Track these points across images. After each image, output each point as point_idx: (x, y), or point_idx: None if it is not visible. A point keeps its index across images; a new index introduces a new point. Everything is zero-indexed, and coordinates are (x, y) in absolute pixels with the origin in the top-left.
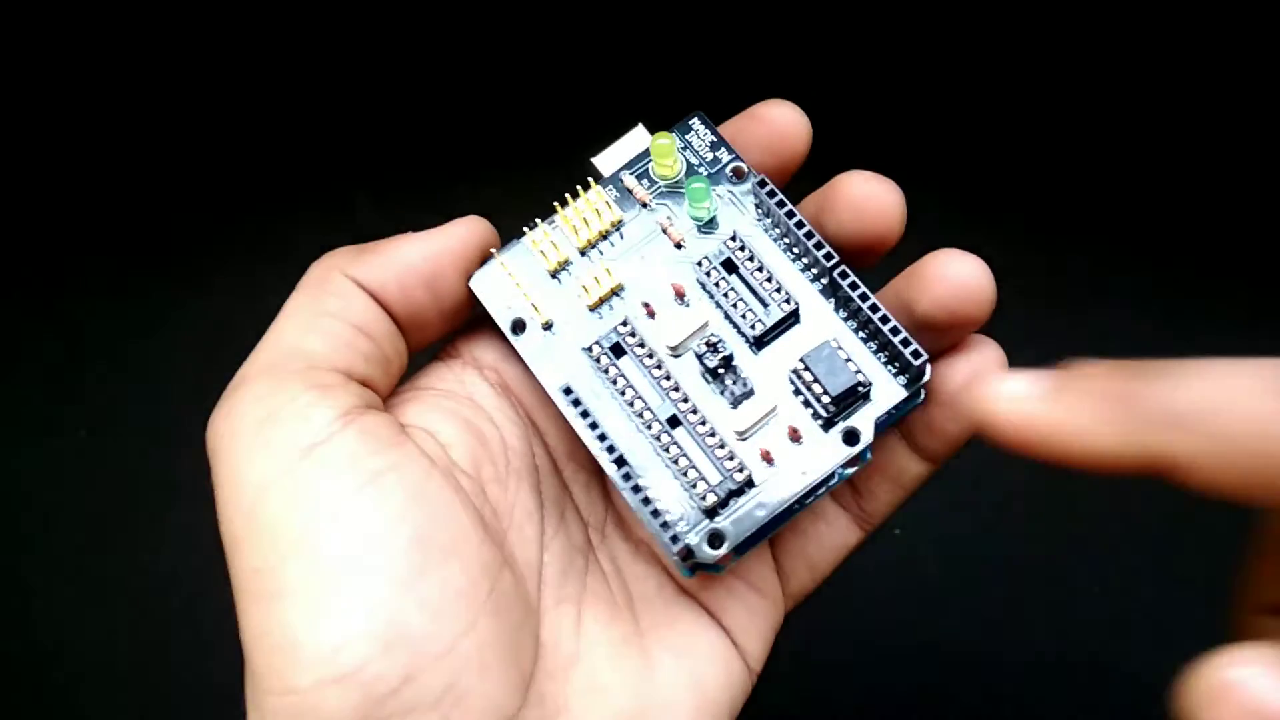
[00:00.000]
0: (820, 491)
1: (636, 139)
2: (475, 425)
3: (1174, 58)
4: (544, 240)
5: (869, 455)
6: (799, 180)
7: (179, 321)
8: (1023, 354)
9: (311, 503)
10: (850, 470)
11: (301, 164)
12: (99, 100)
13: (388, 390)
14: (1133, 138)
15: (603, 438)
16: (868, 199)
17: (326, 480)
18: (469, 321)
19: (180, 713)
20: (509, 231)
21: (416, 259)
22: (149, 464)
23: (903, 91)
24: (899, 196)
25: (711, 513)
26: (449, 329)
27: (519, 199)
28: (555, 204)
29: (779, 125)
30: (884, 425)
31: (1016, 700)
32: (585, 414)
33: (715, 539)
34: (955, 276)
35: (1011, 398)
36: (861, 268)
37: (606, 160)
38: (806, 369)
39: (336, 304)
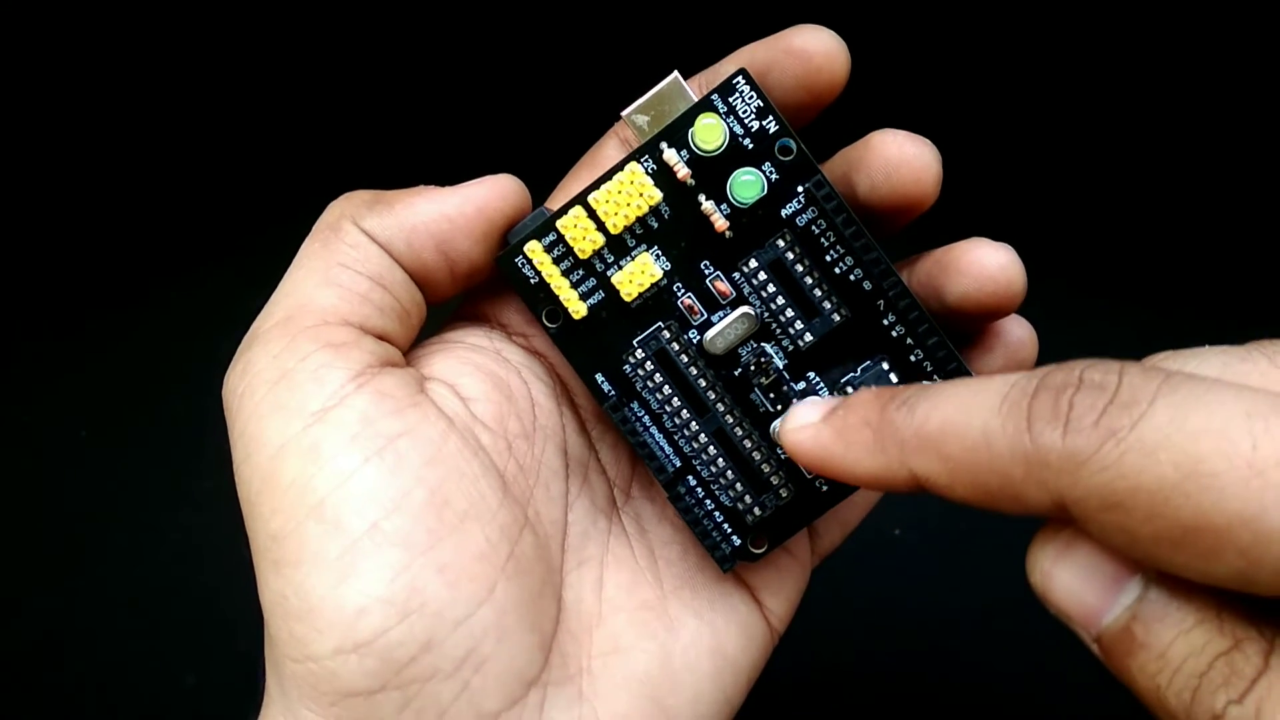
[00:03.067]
0: (854, 490)
1: (671, 89)
2: (502, 379)
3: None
4: (578, 225)
5: None
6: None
7: (179, 321)
8: None
9: (327, 468)
10: None
11: (303, 162)
12: (99, 98)
13: (407, 342)
14: (1121, 151)
15: (644, 446)
16: (903, 161)
17: (342, 444)
18: (493, 284)
19: (180, 713)
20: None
21: (428, 218)
22: (149, 464)
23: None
24: (936, 158)
25: (757, 525)
26: (463, 289)
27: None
28: (586, 192)
29: (815, 56)
30: None
31: (1016, 700)
32: (625, 420)
33: (758, 541)
34: (986, 268)
35: (800, 426)
36: (889, 233)
37: (638, 115)
38: (851, 384)
39: (349, 254)
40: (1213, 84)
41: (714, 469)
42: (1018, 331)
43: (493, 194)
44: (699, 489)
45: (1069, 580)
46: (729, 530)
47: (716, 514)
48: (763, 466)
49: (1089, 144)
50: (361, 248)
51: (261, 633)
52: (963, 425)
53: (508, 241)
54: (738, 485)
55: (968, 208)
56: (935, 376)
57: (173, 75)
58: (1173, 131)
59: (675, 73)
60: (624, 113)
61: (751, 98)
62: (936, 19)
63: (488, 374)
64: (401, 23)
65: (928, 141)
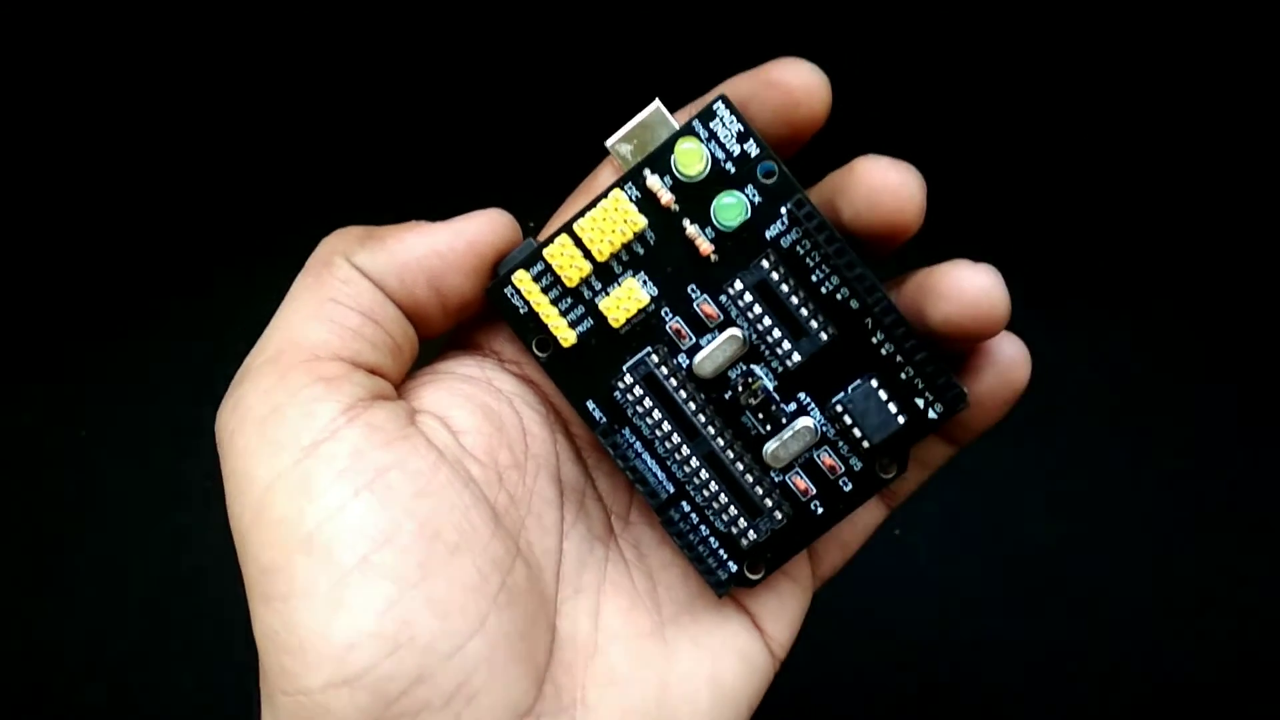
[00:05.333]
0: (854, 510)
1: (653, 116)
2: (493, 410)
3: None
4: (564, 253)
5: (905, 475)
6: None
7: (179, 321)
8: None
9: (317, 501)
10: (884, 487)
11: (304, 163)
12: (99, 101)
13: (399, 375)
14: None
15: (635, 472)
16: (886, 188)
17: (332, 478)
18: (486, 313)
19: (180, 712)
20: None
21: (420, 253)
22: (149, 464)
23: (917, 61)
24: (920, 186)
25: (752, 549)
26: (455, 323)
27: (535, 198)
28: (571, 221)
29: (795, 90)
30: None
31: (1017, 699)
32: (616, 446)
33: (755, 566)
34: (967, 291)
35: None
36: (876, 260)
37: (623, 143)
38: (845, 411)
39: (341, 289)
40: (1194, 102)
41: (707, 493)
42: (1009, 350)
43: (483, 228)
44: (693, 514)
45: None
46: (724, 556)
47: (711, 540)
48: (756, 489)
49: (1070, 159)
50: (353, 283)
51: None
52: None
53: (497, 273)
54: (731, 509)
55: (957, 226)
56: (927, 395)
57: (176, 76)
58: (1152, 149)
59: (657, 100)
60: (608, 142)
61: (732, 122)
62: (923, 43)
63: (478, 406)
64: (407, 46)
65: (911, 168)
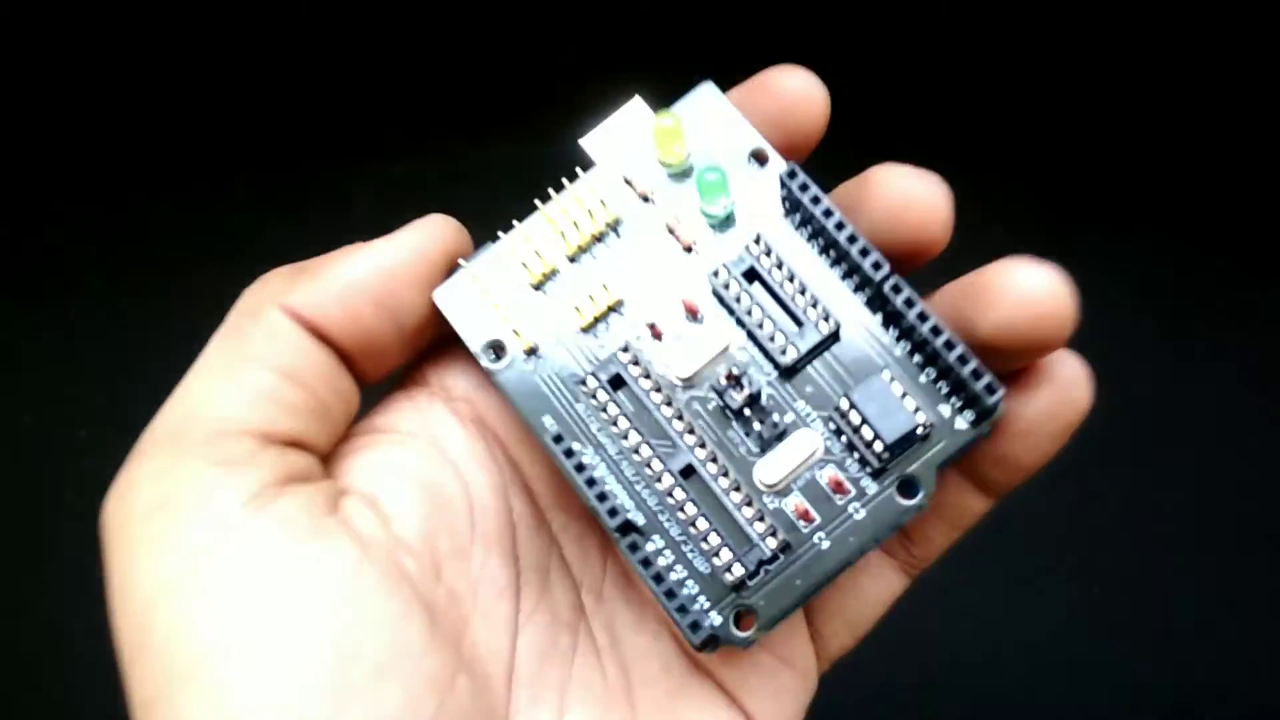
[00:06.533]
0: (869, 549)
1: (633, 114)
2: (433, 485)
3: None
4: (524, 246)
5: (927, 504)
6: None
7: (179, 322)
8: None
9: (210, 619)
10: (905, 519)
11: (301, 160)
12: (98, 98)
13: (329, 441)
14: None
15: (603, 497)
16: (910, 200)
17: (226, 591)
18: (437, 342)
19: None
20: (492, 233)
21: (364, 276)
22: None
23: (924, 59)
24: (946, 198)
25: (738, 586)
26: (414, 352)
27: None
28: (536, 201)
29: (790, 97)
30: (945, 466)
31: (1016, 699)
32: (581, 467)
33: (743, 617)
34: (1027, 293)
35: None
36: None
37: (598, 142)
38: (853, 408)
39: (262, 346)
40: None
41: (683, 516)
42: (1068, 368)
43: (429, 235)
44: (666, 550)
45: None
46: (705, 603)
47: (689, 582)
48: (743, 512)
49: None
50: (279, 335)
51: None
52: None
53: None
54: (712, 537)
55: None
56: (959, 395)
57: (170, 69)
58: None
59: (637, 97)
60: (583, 140)
61: (718, 107)
62: (927, 49)
63: (416, 481)
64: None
65: (935, 177)
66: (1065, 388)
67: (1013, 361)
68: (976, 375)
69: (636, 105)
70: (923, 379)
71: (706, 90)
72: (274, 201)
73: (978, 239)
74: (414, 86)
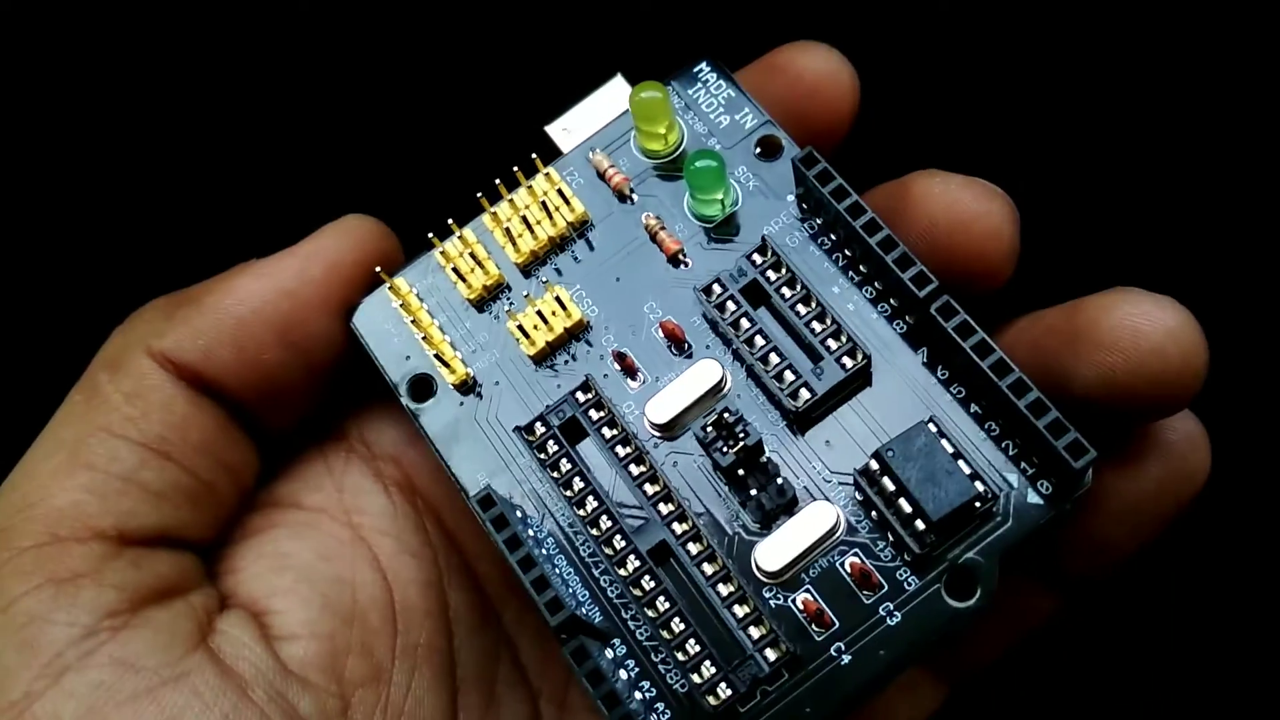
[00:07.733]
0: (905, 667)
1: (612, 95)
2: (343, 584)
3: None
4: (462, 254)
5: (987, 606)
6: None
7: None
8: None
9: None
10: (956, 627)
11: (299, 161)
12: (99, 106)
13: (212, 529)
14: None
15: (542, 584)
16: (959, 221)
17: None
18: (359, 386)
19: None
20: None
21: (260, 302)
22: None
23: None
24: (1009, 217)
25: (726, 714)
26: (328, 391)
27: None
28: (480, 197)
29: (810, 79)
30: (1013, 555)
31: (1017, 699)
32: (516, 541)
33: None
34: (1147, 336)
35: None
36: None
37: (567, 128)
38: (886, 470)
39: (121, 411)
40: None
41: (652, 614)
42: (1183, 432)
43: (342, 243)
44: (630, 661)
45: None
46: None
47: (659, 706)
48: (735, 609)
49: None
50: (146, 394)
51: None
52: None
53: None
54: (691, 644)
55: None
56: (1033, 458)
57: (170, 82)
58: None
59: (619, 75)
60: (548, 126)
61: (719, 88)
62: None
63: (320, 582)
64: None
65: (995, 190)
66: (1180, 457)
67: (1116, 422)
68: (1058, 431)
69: (617, 85)
70: (983, 435)
71: (705, 67)
72: (276, 206)
73: None
74: (413, 90)
